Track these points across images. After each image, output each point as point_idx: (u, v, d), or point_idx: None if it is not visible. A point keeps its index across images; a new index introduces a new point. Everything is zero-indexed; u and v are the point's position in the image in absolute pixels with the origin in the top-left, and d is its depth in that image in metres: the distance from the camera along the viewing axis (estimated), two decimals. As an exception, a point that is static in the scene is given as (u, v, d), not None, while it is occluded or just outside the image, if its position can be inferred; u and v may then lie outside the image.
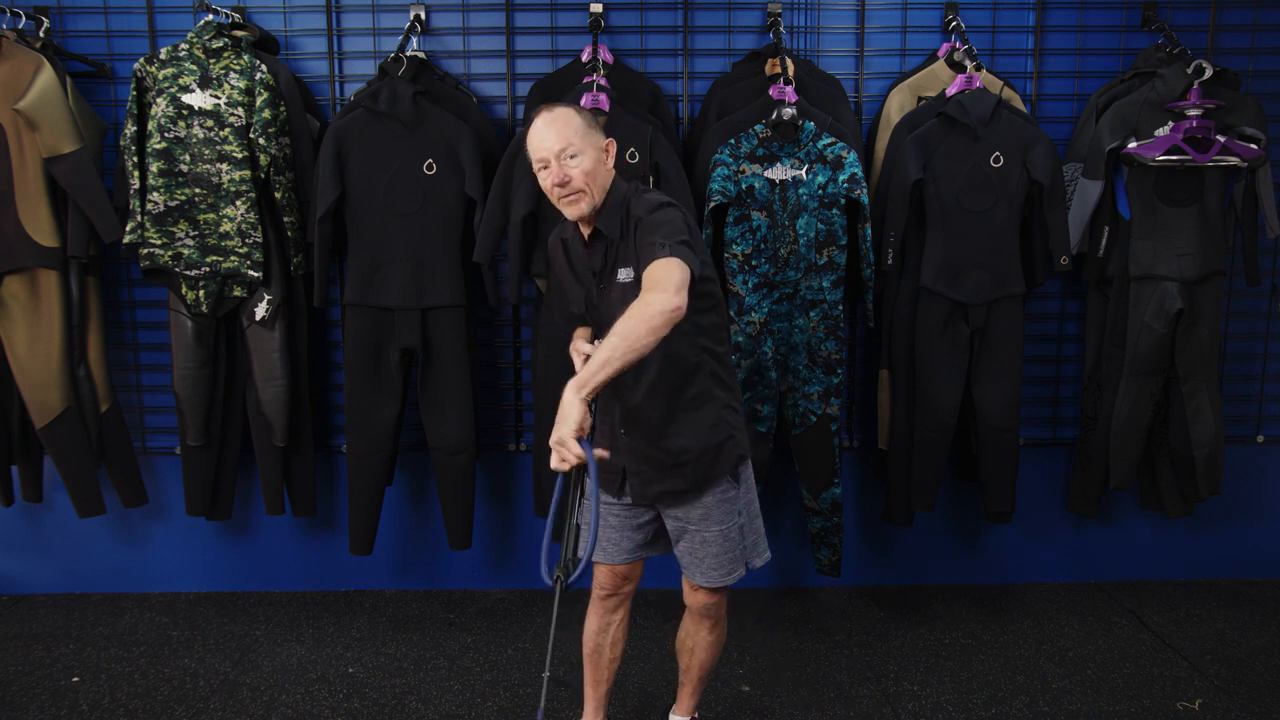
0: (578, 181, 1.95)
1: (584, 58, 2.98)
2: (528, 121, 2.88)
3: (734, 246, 2.83)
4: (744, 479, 2.12)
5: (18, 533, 3.37)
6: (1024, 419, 3.17)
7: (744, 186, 2.81)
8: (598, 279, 2.05)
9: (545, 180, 1.98)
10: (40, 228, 2.87)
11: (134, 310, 3.27)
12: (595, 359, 1.78)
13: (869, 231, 2.86)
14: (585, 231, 2.05)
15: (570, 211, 1.98)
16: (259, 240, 2.89)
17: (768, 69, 2.99)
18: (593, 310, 2.09)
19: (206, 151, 2.84)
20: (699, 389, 2.03)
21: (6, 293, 2.90)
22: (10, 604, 3.32)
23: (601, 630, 2.25)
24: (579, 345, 2.07)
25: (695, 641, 2.25)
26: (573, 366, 2.09)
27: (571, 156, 1.94)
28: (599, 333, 2.05)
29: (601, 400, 2.09)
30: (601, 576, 2.20)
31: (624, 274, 1.98)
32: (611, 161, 2.03)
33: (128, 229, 2.85)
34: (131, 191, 2.84)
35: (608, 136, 2.05)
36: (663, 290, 1.79)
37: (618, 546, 2.15)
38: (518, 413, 3.30)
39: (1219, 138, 2.85)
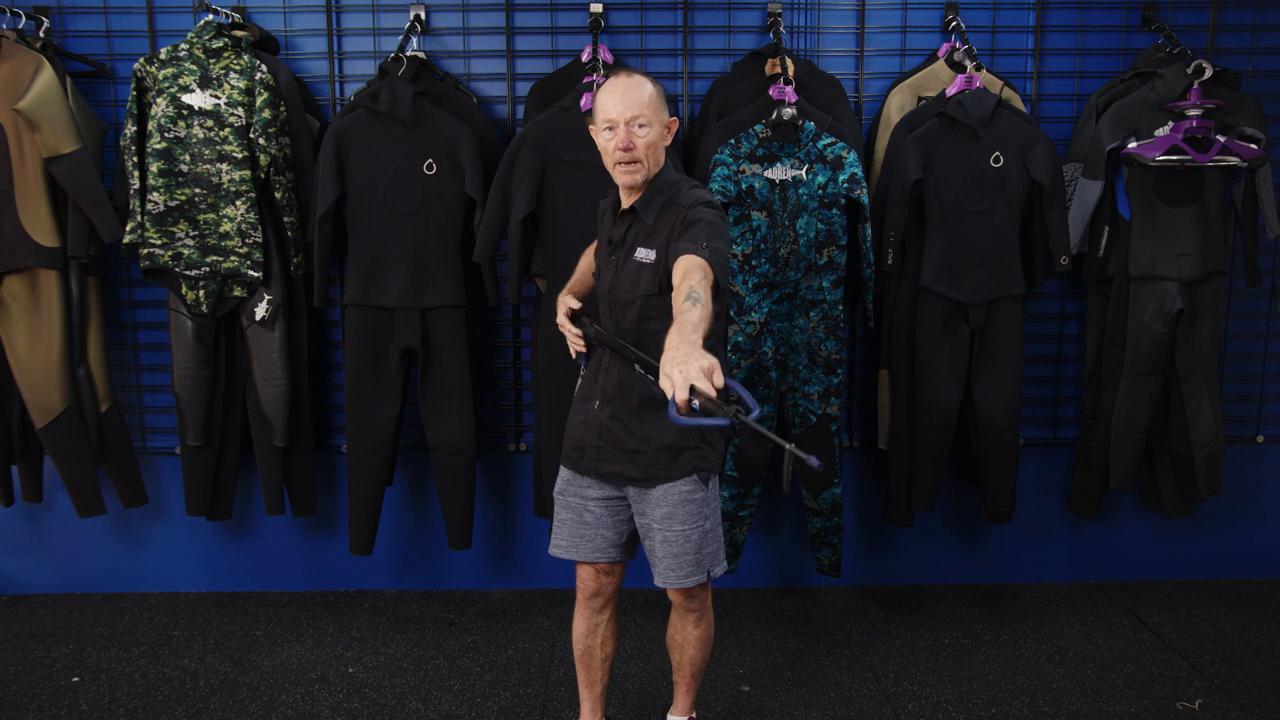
0: (639, 151, 1.99)
1: (584, 58, 2.97)
2: (533, 106, 2.93)
3: (734, 247, 2.83)
4: (711, 486, 2.13)
5: (18, 533, 3.37)
6: (1024, 419, 3.17)
7: (744, 186, 2.81)
8: (612, 248, 2.11)
9: (607, 142, 2.01)
10: (40, 228, 2.87)
11: (134, 310, 3.27)
12: (689, 327, 1.72)
13: (869, 231, 2.86)
14: (624, 202, 2.10)
15: (624, 179, 2.03)
16: (259, 240, 2.89)
17: (768, 69, 2.99)
18: (596, 275, 2.17)
19: (206, 151, 2.84)
20: None
21: (6, 293, 2.90)
22: (10, 604, 3.32)
23: (590, 632, 2.27)
24: (568, 300, 2.19)
25: (683, 637, 2.27)
26: (573, 369, 2.19)
27: (640, 126, 1.99)
28: (596, 295, 2.15)
29: (590, 372, 2.17)
30: (585, 576, 2.22)
31: (643, 254, 2.03)
32: (670, 139, 2.08)
33: (128, 229, 2.85)
34: (131, 191, 2.84)
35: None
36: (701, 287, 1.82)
37: (593, 544, 2.17)
38: (518, 413, 3.30)
39: (1219, 138, 2.85)
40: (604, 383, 2.11)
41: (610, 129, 2.00)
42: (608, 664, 2.31)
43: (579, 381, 2.24)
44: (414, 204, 2.86)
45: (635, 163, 2.00)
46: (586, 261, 2.34)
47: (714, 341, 2.11)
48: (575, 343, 2.17)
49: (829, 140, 2.81)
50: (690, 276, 1.84)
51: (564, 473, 2.21)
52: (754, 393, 2.90)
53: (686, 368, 1.59)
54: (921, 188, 2.89)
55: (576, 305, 2.20)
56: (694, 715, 2.40)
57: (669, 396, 1.60)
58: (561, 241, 2.81)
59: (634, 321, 2.05)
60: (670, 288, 1.93)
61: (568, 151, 2.76)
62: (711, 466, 2.12)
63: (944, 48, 3.08)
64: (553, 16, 3.15)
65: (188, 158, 2.84)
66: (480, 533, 3.26)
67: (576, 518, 2.17)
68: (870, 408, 3.23)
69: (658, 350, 1.82)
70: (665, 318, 1.93)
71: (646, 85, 2.02)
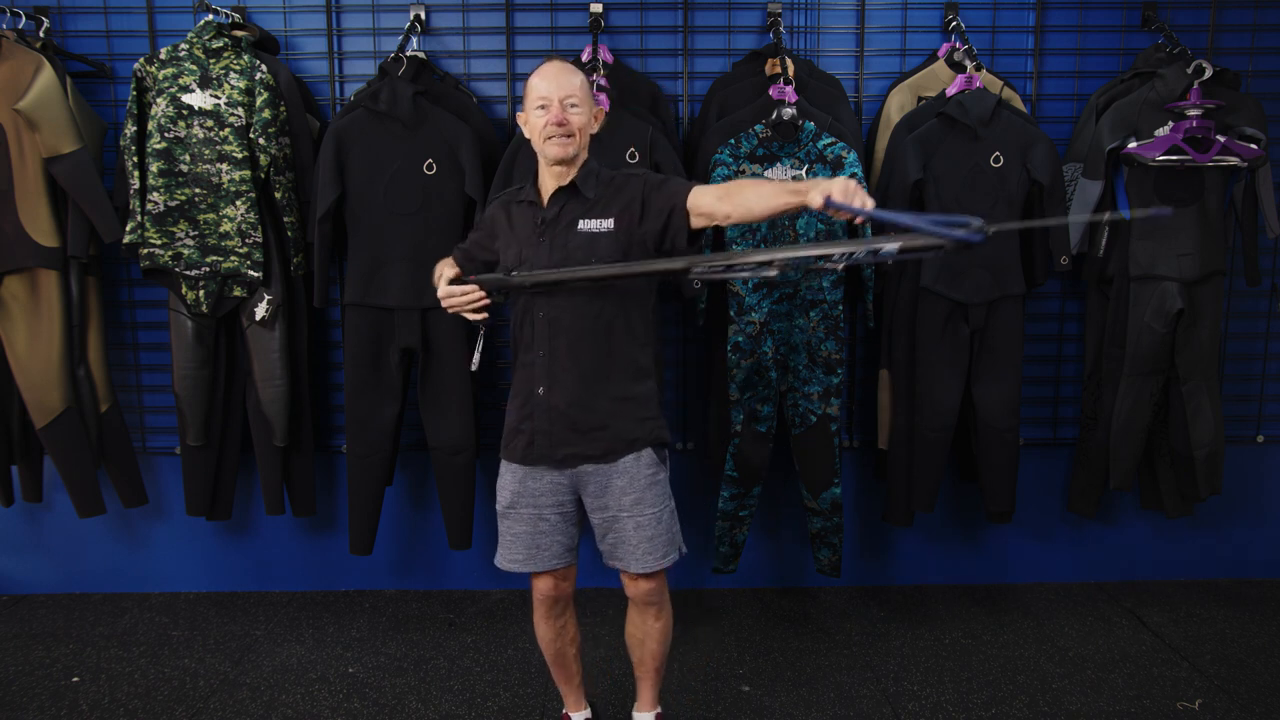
0: (572, 127, 2.06)
1: (584, 58, 2.97)
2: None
3: (734, 247, 2.83)
4: (668, 464, 2.20)
5: (18, 533, 3.37)
6: (1024, 419, 3.17)
7: (744, 186, 2.81)
8: (542, 228, 2.12)
9: (539, 119, 2.08)
10: (40, 228, 2.87)
11: (134, 310, 3.27)
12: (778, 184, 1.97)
13: (869, 232, 2.86)
14: (552, 185, 2.13)
15: (555, 151, 2.07)
16: (259, 240, 2.89)
17: (768, 69, 2.99)
18: (524, 265, 2.12)
19: (206, 151, 2.84)
20: (644, 364, 2.14)
21: (6, 293, 2.90)
22: (10, 604, 3.32)
23: (558, 635, 2.30)
24: (446, 271, 2.20)
25: (643, 632, 2.28)
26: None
27: (573, 106, 2.07)
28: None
29: (527, 359, 2.14)
30: (544, 585, 2.22)
31: (593, 224, 2.09)
32: (597, 128, 2.16)
33: (128, 229, 2.85)
34: (131, 191, 2.85)
35: (608, 135, 2.21)
36: None
37: (550, 552, 2.18)
38: (518, 413, 3.30)
39: (1219, 138, 2.85)
40: (547, 366, 2.10)
41: (543, 107, 2.06)
42: (579, 655, 2.37)
43: (513, 375, 2.20)
44: (414, 204, 2.86)
45: (569, 136, 2.06)
46: (453, 269, 2.24)
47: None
48: (473, 303, 2.14)
49: (829, 140, 2.81)
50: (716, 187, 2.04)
51: (509, 484, 2.18)
52: (754, 393, 2.90)
53: (832, 183, 1.79)
54: (921, 188, 2.89)
55: (455, 270, 2.18)
56: (659, 710, 2.40)
57: (823, 199, 1.77)
58: (561, 241, 2.81)
59: (589, 292, 2.08)
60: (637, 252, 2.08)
61: (568, 151, 2.76)
62: (668, 439, 2.19)
63: (944, 48, 3.08)
64: (553, 16, 3.15)
65: (188, 158, 2.84)
66: (480, 533, 3.26)
67: (531, 529, 2.16)
68: (870, 408, 3.23)
69: (628, 337, 2.09)
70: (626, 285, 2.08)
71: (577, 72, 2.11)
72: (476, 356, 2.26)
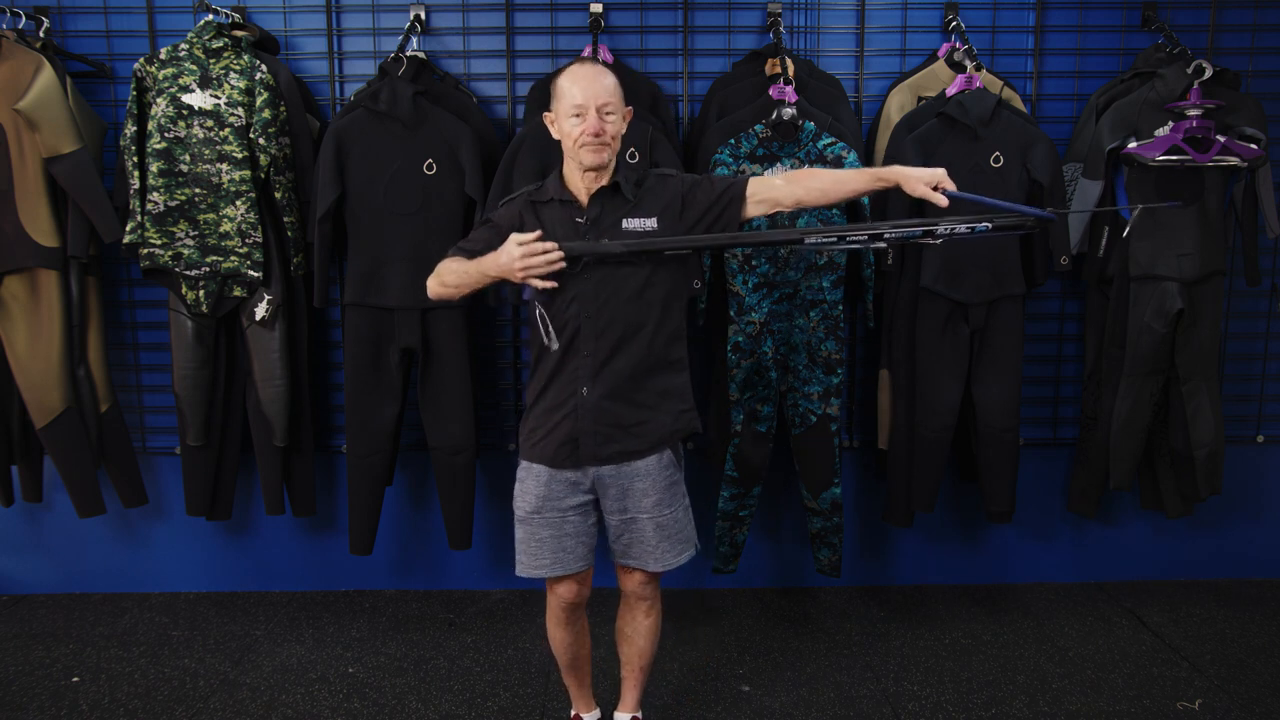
0: (607, 136, 2.06)
1: (584, 57, 2.97)
2: (533, 106, 2.93)
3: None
4: (683, 463, 2.23)
5: (18, 533, 3.37)
6: (1024, 419, 3.17)
7: (744, 186, 2.81)
8: (587, 226, 2.11)
9: (574, 127, 2.06)
10: (40, 228, 2.87)
11: (134, 310, 3.28)
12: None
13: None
14: (586, 185, 2.12)
15: (592, 158, 2.07)
16: (259, 240, 2.89)
17: (768, 69, 2.99)
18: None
19: (206, 151, 2.84)
20: (680, 357, 2.18)
21: (6, 293, 2.90)
22: (10, 604, 3.32)
23: (575, 639, 2.32)
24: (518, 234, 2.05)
25: (633, 629, 2.29)
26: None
27: (609, 114, 2.06)
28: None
29: (568, 361, 2.11)
30: (565, 589, 2.22)
31: (638, 223, 2.11)
32: (625, 128, 2.15)
33: (128, 229, 2.85)
34: (131, 191, 2.85)
35: None
36: None
37: (573, 554, 2.18)
38: (518, 413, 3.30)
39: (1219, 138, 2.85)
40: (587, 365, 2.09)
41: (579, 115, 2.05)
42: (590, 656, 2.40)
43: (537, 376, 2.17)
44: (414, 204, 2.86)
45: (604, 145, 2.06)
46: (471, 263, 2.12)
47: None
48: (549, 266, 2.01)
49: (829, 140, 2.81)
50: (779, 176, 2.17)
51: (533, 488, 2.16)
52: (754, 393, 2.90)
53: (933, 174, 2.07)
54: (921, 188, 2.88)
55: (536, 235, 2.03)
56: (639, 715, 2.40)
57: (926, 189, 2.05)
58: (561, 241, 2.81)
59: (638, 288, 2.08)
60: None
61: (568, 151, 2.76)
62: (700, 428, 2.22)
63: (944, 48, 3.08)
64: (553, 16, 3.15)
65: (188, 158, 2.84)
66: (480, 533, 3.26)
67: (555, 532, 2.15)
68: (870, 408, 3.23)
69: (666, 330, 2.13)
70: (672, 279, 2.12)
71: (610, 74, 2.10)
72: (552, 333, 2.11)
